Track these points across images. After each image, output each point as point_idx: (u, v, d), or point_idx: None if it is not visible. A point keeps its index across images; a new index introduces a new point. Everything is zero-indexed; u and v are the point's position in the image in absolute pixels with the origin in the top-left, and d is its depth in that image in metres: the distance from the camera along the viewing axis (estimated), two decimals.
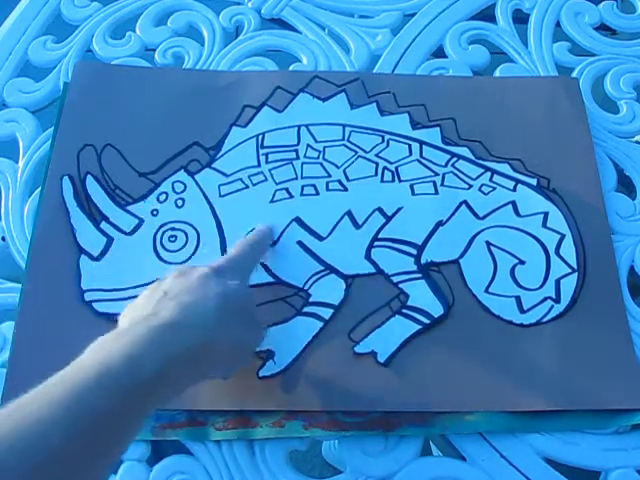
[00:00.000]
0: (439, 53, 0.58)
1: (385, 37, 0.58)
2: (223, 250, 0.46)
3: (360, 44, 0.58)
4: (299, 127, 0.51)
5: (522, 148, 0.51)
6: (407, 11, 0.60)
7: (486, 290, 0.45)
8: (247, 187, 0.49)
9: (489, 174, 0.50)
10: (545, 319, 0.45)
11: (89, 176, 0.48)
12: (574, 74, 0.57)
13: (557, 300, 0.45)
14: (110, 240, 0.46)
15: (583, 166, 0.51)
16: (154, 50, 0.57)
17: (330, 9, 0.60)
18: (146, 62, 0.56)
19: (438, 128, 0.51)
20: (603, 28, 0.60)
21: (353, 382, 0.42)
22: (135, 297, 0.44)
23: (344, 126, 0.51)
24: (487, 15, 0.60)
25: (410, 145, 0.51)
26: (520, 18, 0.60)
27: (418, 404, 0.42)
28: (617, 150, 0.53)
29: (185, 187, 0.48)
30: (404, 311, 0.45)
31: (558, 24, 0.60)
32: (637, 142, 0.54)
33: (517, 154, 0.51)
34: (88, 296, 0.44)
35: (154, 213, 0.47)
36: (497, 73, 0.56)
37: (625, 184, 0.52)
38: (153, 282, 0.44)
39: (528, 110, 0.53)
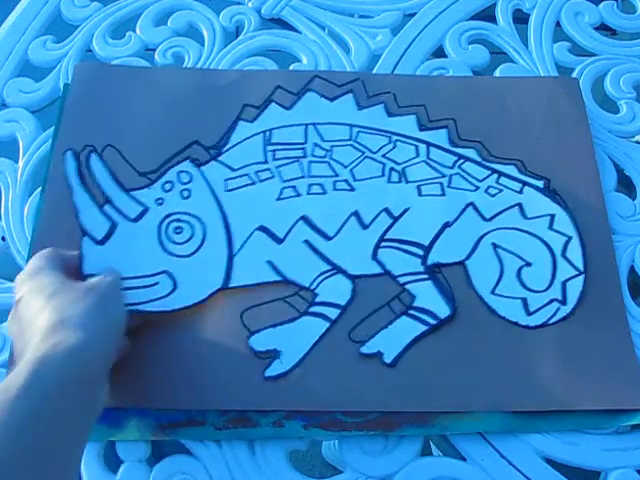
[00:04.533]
0: (439, 53, 0.58)
1: (385, 37, 0.58)
2: (229, 246, 0.46)
3: (360, 44, 0.58)
4: (306, 125, 0.51)
5: (522, 148, 0.51)
6: (407, 11, 0.60)
7: (492, 292, 0.45)
8: (254, 183, 0.48)
9: (496, 176, 0.49)
10: (551, 321, 0.44)
11: (93, 155, 0.47)
12: (574, 74, 0.57)
13: (563, 302, 0.45)
14: (114, 225, 0.45)
15: (583, 166, 0.51)
16: (154, 50, 0.57)
17: (330, 9, 0.60)
18: (146, 62, 0.56)
19: (445, 130, 0.51)
20: (603, 28, 0.60)
21: (355, 382, 0.42)
22: (138, 288, 0.44)
23: (351, 126, 0.51)
24: (487, 15, 0.60)
25: (417, 146, 0.51)
26: (520, 18, 0.60)
27: (418, 404, 0.42)
28: (617, 150, 0.53)
29: (191, 178, 0.48)
30: (410, 312, 0.44)
31: (558, 24, 0.60)
32: (637, 142, 0.54)
33: (517, 155, 0.50)
34: None
35: (159, 202, 0.46)
36: (497, 73, 0.56)
37: (625, 184, 0.52)
38: (158, 274, 0.44)
39: (528, 110, 0.53)
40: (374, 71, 0.56)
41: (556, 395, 0.42)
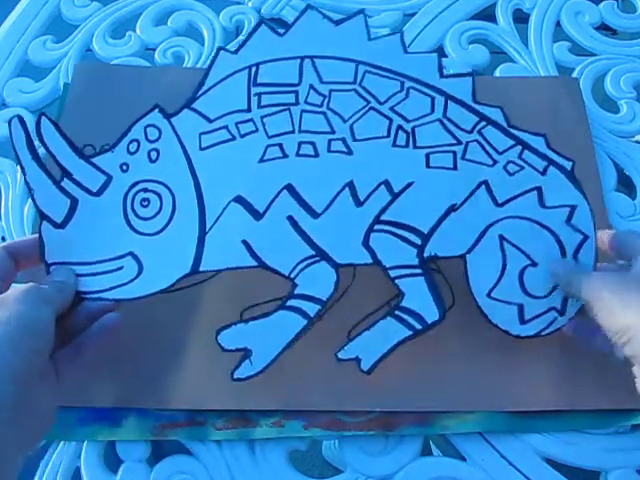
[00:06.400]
0: (439, 53, 0.58)
1: None
2: (201, 221, 0.40)
3: None
4: (302, 59, 0.43)
5: None
6: (407, 11, 0.60)
7: (488, 294, 0.41)
8: (233, 138, 0.41)
9: (519, 149, 0.42)
10: (545, 332, 0.41)
11: (44, 119, 0.39)
12: (574, 74, 0.57)
13: (562, 312, 0.41)
14: (75, 202, 0.39)
15: (583, 166, 0.50)
16: (154, 50, 0.57)
17: (330, 9, 0.60)
18: (146, 62, 0.56)
19: (471, 78, 0.43)
20: (603, 28, 0.60)
21: (351, 383, 0.42)
22: (102, 274, 0.39)
23: (358, 63, 0.43)
24: (487, 15, 0.60)
25: (434, 98, 0.43)
26: (520, 18, 0.60)
27: (418, 404, 0.42)
28: (617, 150, 0.53)
29: (160, 134, 0.41)
30: (397, 313, 0.40)
31: (558, 24, 0.60)
32: (637, 142, 0.54)
33: None
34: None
35: (124, 168, 0.40)
36: (497, 73, 0.56)
37: (625, 184, 0.52)
38: (123, 256, 0.39)
39: (528, 110, 0.53)
40: None
41: (556, 395, 0.42)
